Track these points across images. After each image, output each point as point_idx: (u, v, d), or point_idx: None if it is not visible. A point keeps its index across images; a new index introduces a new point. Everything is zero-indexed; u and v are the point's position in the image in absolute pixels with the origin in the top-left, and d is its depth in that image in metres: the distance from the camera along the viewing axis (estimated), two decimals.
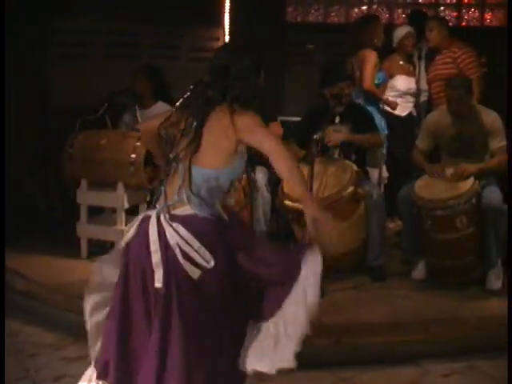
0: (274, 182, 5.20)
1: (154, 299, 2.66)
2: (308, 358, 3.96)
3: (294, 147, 5.05)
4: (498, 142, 4.88)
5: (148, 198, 5.44)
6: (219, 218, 2.73)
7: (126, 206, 5.19)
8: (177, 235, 2.62)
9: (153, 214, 2.70)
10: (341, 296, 4.53)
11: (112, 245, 5.22)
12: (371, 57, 5.80)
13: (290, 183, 2.93)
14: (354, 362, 3.91)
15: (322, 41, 7.47)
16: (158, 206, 2.73)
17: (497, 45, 6.23)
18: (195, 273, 2.61)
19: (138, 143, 5.10)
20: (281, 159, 2.66)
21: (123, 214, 5.19)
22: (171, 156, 2.73)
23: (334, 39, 7.10)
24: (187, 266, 2.61)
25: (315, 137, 4.54)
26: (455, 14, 7.73)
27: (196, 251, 2.61)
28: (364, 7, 7.82)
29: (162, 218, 2.66)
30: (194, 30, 7.22)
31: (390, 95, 5.96)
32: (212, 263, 2.62)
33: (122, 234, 5.08)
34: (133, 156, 5.10)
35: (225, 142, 2.67)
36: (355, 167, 4.78)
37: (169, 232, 2.63)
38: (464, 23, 7.77)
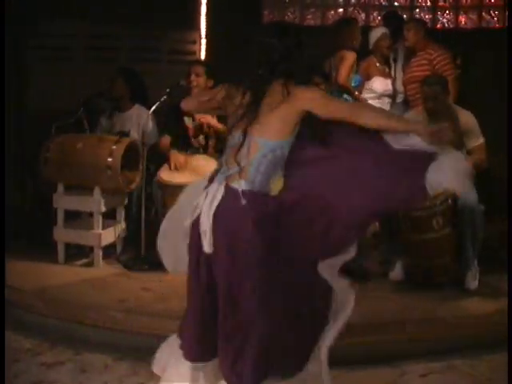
0: None
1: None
2: None
3: None
4: (475, 141, 4.93)
5: (125, 202, 5.43)
6: (265, 198, 2.80)
7: (103, 209, 5.17)
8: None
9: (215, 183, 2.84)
10: None
11: (91, 249, 5.21)
12: (349, 56, 5.83)
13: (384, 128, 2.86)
14: (332, 364, 3.89)
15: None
16: (219, 174, 2.87)
17: (471, 47, 6.31)
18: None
19: (115, 146, 5.09)
20: (355, 114, 2.82)
21: (100, 218, 5.16)
22: (233, 129, 2.88)
23: (310, 41, 7.11)
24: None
25: None
26: (430, 16, 7.78)
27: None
28: (340, 10, 7.86)
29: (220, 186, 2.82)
30: (170, 33, 7.21)
31: (366, 97, 6.00)
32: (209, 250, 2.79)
33: (99, 238, 5.13)
34: (109, 160, 5.08)
35: (287, 114, 2.82)
36: None
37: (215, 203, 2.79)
38: (439, 25, 7.85)
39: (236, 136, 2.86)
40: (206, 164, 5.09)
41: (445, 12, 7.79)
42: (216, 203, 2.81)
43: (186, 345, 3.02)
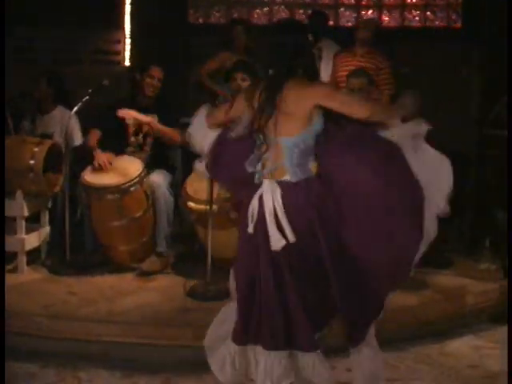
0: (177, 183, 5.20)
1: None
2: None
3: None
4: None
5: (50, 205, 5.33)
6: (312, 181, 2.98)
7: (26, 213, 5.05)
8: (271, 202, 2.95)
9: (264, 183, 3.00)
10: None
11: (15, 254, 5.09)
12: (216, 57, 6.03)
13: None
14: None
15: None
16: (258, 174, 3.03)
17: (394, 45, 6.42)
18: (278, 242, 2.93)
19: (37, 149, 4.99)
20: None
21: (23, 223, 5.05)
22: (255, 131, 3.02)
23: None
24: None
25: None
26: (355, 14, 7.89)
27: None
28: (265, 8, 7.89)
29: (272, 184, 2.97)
30: (94, 32, 7.11)
31: None
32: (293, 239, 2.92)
33: (22, 243, 5.01)
34: (31, 162, 4.97)
35: (304, 110, 2.95)
36: None
37: (266, 198, 2.95)
38: None
39: (259, 138, 3.03)
40: (130, 164, 5.04)
41: (368, 10, 7.90)
42: (279, 198, 2.94)
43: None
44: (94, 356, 4.05)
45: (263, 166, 3.05)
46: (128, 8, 7.18)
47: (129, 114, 5.06)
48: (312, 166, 3.03)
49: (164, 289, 4.72)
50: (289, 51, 3.08)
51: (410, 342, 4.26)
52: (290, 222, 2.95)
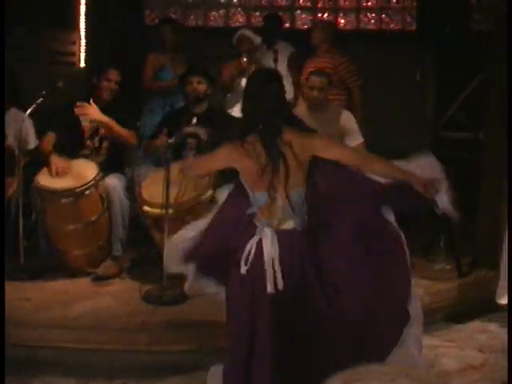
0: (132, 187, 5.15)
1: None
2: (169, 364, 4.00)
3: None
4: (354, 141, 5.06)
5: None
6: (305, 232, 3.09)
7: None
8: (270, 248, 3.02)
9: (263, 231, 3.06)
10: (201, 300, 4.53)
11: None
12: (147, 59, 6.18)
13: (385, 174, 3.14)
14: None
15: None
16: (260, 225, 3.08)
17: (350, 47, 6.44)
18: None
19: None
20: (367, 163, 3.12)
21: None
22: (254, 187, 3.07)
23: (192, 42, 7.11)
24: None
25: (169, 141, 4.50)
26: (311, 17, 7.93)
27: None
28: (222, 10, 7.89)
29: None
30: (50, 33, 7.00)
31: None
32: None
33: None
34: None
35: (305, 161, 3.04)
36: None
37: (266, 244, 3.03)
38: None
39: (262, 195, 3.06)
40: (85, 168, 4.99)
41: (324, 13, 7.95)
42: (276, 247, 3.02)
43: None
44: (48, 362, 4.00)
45: (265, 215, 3.09)
46: (83, 8, 7.08)
47: (87, 109, 5.00)
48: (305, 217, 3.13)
49: (120, 293, 4.68)
50: (276, 103, 3.10)
51: None
52: (287, 270, 3.03)
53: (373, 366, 3.36)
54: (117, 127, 5.10)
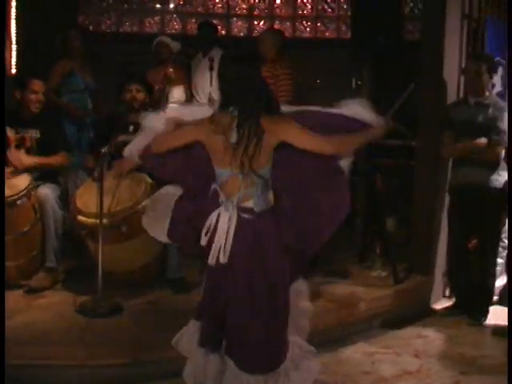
0: (65, 197, 5.05)
1: None
2: (105, 378, 3.92)
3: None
4: None
5: None
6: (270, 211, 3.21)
7: None
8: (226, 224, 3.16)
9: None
10: (138, 311, 4.47)
11: None
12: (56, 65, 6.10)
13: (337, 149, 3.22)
14: (152, 378, 3.91)
15: (115, 50, 7.35)
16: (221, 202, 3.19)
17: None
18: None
19: None
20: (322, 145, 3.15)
21: None
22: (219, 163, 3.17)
23: (128, 48, 7.04)
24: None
25: (103, 150, 4.42)
26: (246, 25, 7.95)
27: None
28: (157, 17, 7.84)
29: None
30: None
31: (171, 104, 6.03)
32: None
33: None
34: None
35: (273, 145, 3.12)
36: (149, 179, 4.67)
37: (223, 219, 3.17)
38: (255, 33, 8.01)
39: (224, 172, 3.16)
40: (18, 178, 4.85)
41: (260, 21, 7.98)
42: (232, 231, 3.14)
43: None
44: None
45: (226, 192, 3.18)
46: (13, 13, 6.91)
47: (14, 161, 4.87)
48: (271, 197, 3.23)
49: (54, 306, 4.55)
50: (255, 84, 3.16)
51: None
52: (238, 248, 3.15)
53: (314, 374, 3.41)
54: (46, 161, 5.00)
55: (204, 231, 3.20)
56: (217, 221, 3.18)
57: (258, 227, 3.17)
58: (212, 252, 3.17)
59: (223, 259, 3.15)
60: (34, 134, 5.02)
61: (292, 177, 3.23)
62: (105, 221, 4.38)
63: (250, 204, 3.17)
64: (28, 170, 4.95)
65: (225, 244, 3.14)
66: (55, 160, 5.07)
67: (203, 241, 3.20)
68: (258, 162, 3.12)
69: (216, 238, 3.16)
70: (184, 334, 3.42)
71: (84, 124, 6.18)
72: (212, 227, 3.19)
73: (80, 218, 4.62)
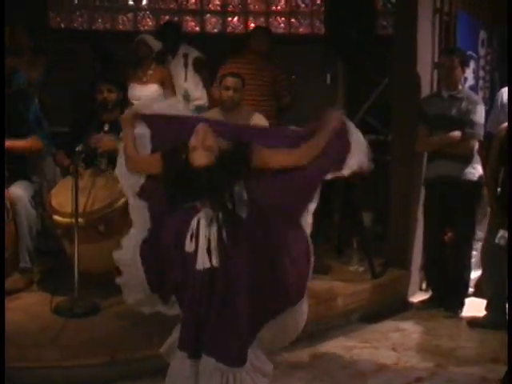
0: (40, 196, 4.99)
1: None
2: (82, 379, 3.89)
3: None
4: None
5: None
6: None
7: None
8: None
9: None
10: (117, 310, 4.43)
11: None
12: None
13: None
14: (129, 378, 3.89)
15: (88, 47, 7.28)
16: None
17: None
18: None
19: None
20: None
21: None
22: None
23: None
24: None
25: (77, 148, 4.37)
26: (221, 21, 7.93)
27: None
28: (130, 14, 7.79)
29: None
30: None
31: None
32: None
33: None
34: None
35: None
36: None
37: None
38: (229, 29, 8.00)
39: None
40: None
41: (234, 17, 7.96)
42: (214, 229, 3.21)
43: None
44: None
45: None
46: None
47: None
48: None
49: (29, 307, 4.49)
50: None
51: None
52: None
53: (290, 370, 3.41)
54: (18, 144, 4.80)
55: (187, 239, 3.25)
56: (198, 226, 3.23)
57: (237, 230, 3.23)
58: (199, 257, 3.22)
59: (206, 264, 3.21)
60: None
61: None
62: (81, 220, 4.33)
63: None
64: None
65: (208, 248, 3.21)
66: (27, 143, 4.88)
67: (187, 247, 3.25)
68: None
69: (200, 243, 3.22)
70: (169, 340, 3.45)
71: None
72: (194, 233, 3.24)
73: (55, 217, 4.56)
